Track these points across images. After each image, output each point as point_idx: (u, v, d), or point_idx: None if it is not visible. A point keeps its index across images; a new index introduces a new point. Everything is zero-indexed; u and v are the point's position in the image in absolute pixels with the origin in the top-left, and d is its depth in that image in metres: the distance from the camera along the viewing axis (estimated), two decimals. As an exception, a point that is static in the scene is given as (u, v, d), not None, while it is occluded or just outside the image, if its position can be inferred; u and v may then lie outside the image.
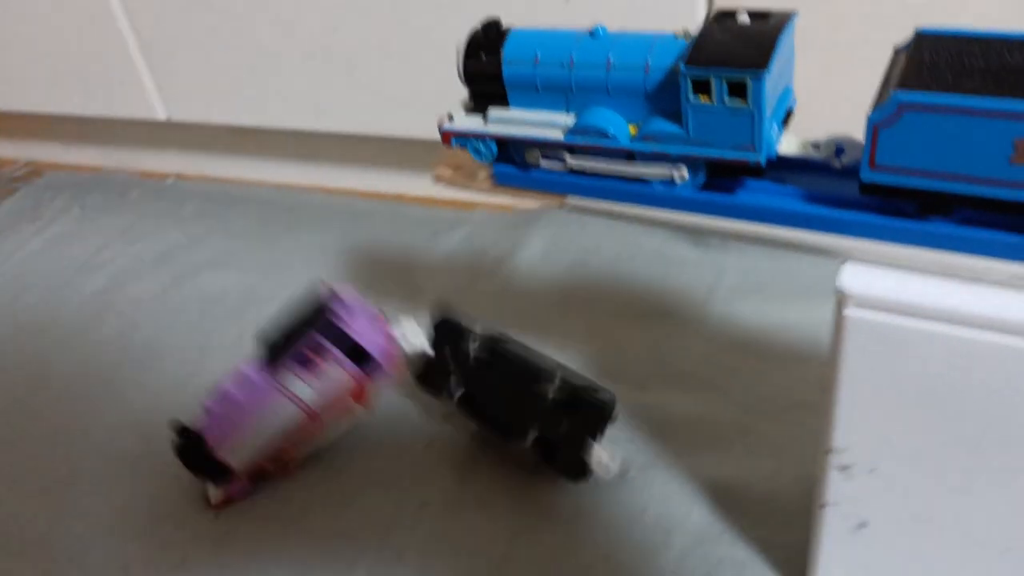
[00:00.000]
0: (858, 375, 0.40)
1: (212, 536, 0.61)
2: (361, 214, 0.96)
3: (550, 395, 0.59)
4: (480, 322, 0.74)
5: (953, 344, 0.37)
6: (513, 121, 0.46)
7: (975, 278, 0.38)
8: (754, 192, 0.43)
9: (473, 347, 0.62)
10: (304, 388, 0.59)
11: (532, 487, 0.61)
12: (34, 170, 1.15)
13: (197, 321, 0.83)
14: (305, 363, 0.59)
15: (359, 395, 0.61)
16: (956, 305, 0.37)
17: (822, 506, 0.46)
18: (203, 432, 0.60)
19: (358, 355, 0.60)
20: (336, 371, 0.59)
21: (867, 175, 0.38)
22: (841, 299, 0.38)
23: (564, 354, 0.71)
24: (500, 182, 0.48)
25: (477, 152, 0.48)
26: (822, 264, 0.74)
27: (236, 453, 0.60)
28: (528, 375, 0.60)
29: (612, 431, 0.64)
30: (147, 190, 1.07)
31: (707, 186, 0.44)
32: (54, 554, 0.62)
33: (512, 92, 0.46)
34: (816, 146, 0.42)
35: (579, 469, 0.59)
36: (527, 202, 0.50)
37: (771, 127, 0.41)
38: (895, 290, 0.38)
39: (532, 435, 0.59)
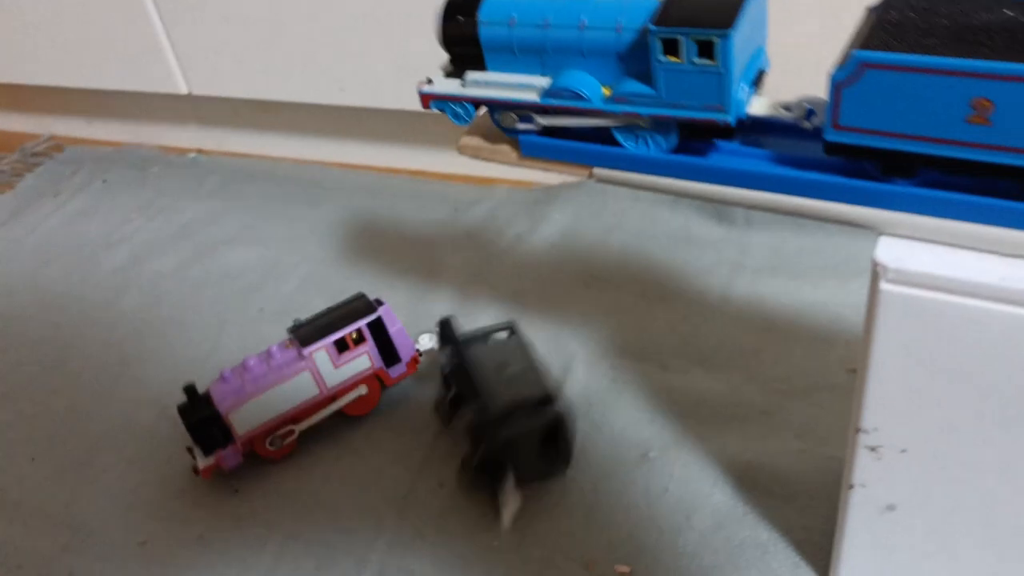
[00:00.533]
0: (892, 352, 0.39)
1: (230, 513, 0.61)
2: (382, 190, 0.95)
3: (475, 419, 0.59)
4: (490, 313, 0.74)
5: (991, 321, 0.36)
6: (489, 84, 0.46)
7: (1015, 254, 0.36)
8: (725, 155, 0.43)
9: (448, 355, 0.63)
10: (329, 368, 0.63)
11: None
12: (55, 145, 1.15)
13: (217, 296, 0.82)
14: (342, 348, 0.63)
15: (371, 384, 0.65)
16: (995, 281, 0.36)
17: (850, 487, 0.45)
18: (215, 395, 0.61)
19: (388, 354, 0.65)
20: (363, 362, 0.64)
21: (831, 135, 0.37)
22: (877, 273, 0.37)
23: (585, 332, 0.71)
24: (527, 152, 0.48)
25: (456, 115, 0.48)
26: (847, 243, 0.74)
27: (244, 420, 0.61)
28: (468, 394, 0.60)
29: (633, 411, 0.64)
30: (168, 165, 1.06)
31: (680, 149, 0.44)
32: (72, 529, 0.62)
33: (489, 55, 0.46)
34: (787, 108, 0.42)
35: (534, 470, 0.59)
36: (550, 177, 0.49)
37: (740, 88, 0.41)
38: (933, 265, 0.37)
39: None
